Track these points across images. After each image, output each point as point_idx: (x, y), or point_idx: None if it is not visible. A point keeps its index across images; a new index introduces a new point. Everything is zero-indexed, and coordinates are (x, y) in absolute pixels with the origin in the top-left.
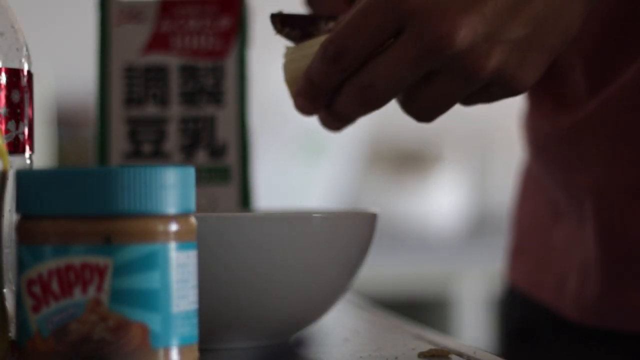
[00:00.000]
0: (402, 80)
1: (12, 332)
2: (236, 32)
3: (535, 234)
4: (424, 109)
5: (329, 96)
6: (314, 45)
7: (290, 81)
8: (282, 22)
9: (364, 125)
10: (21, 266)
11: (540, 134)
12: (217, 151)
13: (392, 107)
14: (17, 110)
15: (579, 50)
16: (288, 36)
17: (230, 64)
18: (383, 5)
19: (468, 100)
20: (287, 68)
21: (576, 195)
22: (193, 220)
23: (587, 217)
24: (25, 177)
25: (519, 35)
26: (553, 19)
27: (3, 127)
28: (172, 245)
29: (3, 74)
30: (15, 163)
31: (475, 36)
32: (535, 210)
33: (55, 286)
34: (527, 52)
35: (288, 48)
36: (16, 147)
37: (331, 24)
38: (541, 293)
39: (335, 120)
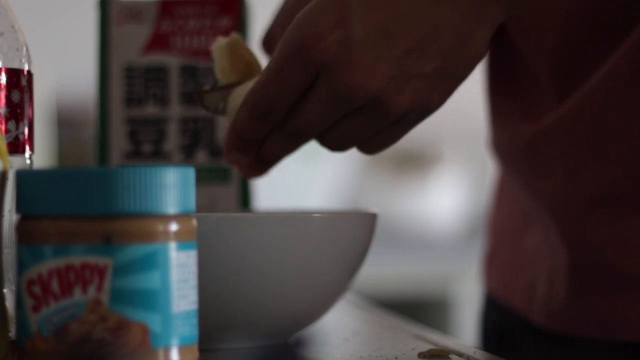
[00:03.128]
0: (324, 123)
1: (12, 332)
2: (236, 32)
3: (508, 240)
4: (339, 142)
5: (258, 145)
6: (241, 94)
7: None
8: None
9: None
10: (21, 266)
11: (503, 144)
12: (217, 151)
13: None
14: (17, 110)
15: (545, 57)
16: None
17: None
18: (296, 59)
19: (379, 142)
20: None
21: (540, 203)
22: (193, 220)
23: (551, 225)
24: (25, 177)
25: (429, 69)
26: (459, 47)
27: (3, 127)
28: (172, 245)
29: (3, 74)
30: (15, 163)
31: (387, 79)
32: (508, 215)
33: (55, 286)
34: (436, 81)
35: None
36: (16, 147)
37: None
38: (513, 299)
39: (262, 165)
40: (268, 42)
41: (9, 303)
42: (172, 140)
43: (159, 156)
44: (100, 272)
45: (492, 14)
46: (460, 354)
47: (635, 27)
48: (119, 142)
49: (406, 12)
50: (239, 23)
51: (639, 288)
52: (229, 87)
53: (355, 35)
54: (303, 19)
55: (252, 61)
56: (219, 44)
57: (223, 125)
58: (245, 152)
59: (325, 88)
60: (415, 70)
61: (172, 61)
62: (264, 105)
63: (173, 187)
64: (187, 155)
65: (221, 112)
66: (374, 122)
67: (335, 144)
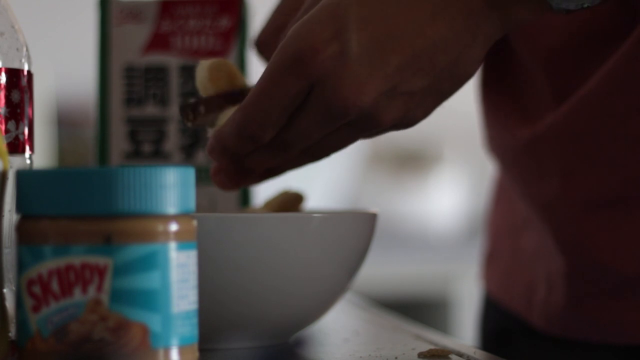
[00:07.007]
0: (313, 137)
1: (12, 332)
2: (236, 32)
3: (506, 241)
4: (321, 153)
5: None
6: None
7: None
8: (194, 110)
9: None
10: (21, 266)
11: (500, 146)
12: None
13: None
14: (17, 110)
15: (542, 60)
16: (203, 123)
17: None
18: (291, 72)
19: (351, 143)
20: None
21: (536, 206)
22: (193, 220)
23: (547, 228)
24: (25, 177)
25: (419, 86)
26: (452, 65)
27: (3, 127)
28: (172, 245)
29: (3, 74)
30: (15, 163)
31: (379, 95)
32: (507, 217)
33: (55, 286)
34: (424, 98)
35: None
36: (16, 147)
37: None
38: (511, 300)
39: (243, 173)
40: (262, 45)
41: (9, 303)
42: (172, 140)
43: (159, 156)
44: (100, 272)
45: (488, 33)
46: (460, 354)
47: (632, 31)
48: (119, 142)
49: (402, 28)
50: (239, 23)
51: (635, 291)
52: (208, 100)
53: (350, 50)
54: (299, 31)
55: (235, 74)
56: (202, 64)
57: None
58: (228, 160)
59: (318, 102)
60: (406, 88)
61: (172, 61)
62: (255, 128)
63: (173, 187)
64: (187, 155)
65: (210, 125)
66: (357, 132)
67: (317, 155)
